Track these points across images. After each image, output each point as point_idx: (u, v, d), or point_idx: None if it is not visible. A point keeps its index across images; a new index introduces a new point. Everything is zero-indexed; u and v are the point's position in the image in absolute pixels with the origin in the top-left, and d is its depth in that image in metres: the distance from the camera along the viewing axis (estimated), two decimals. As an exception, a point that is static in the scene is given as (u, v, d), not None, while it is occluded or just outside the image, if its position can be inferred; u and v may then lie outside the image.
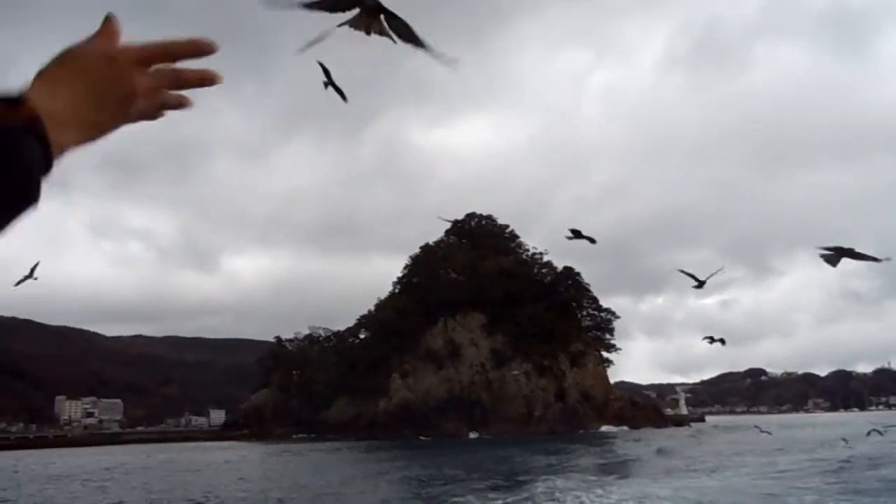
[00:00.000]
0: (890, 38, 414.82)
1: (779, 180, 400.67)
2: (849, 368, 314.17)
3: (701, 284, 12.37)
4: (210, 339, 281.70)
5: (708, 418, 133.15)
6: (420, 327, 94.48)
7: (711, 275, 12.45)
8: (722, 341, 17.81)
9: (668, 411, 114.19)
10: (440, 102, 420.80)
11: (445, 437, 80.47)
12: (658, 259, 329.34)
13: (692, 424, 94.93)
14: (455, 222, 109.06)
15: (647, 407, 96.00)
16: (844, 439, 32.21)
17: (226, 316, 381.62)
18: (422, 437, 79.87)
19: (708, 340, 17.91)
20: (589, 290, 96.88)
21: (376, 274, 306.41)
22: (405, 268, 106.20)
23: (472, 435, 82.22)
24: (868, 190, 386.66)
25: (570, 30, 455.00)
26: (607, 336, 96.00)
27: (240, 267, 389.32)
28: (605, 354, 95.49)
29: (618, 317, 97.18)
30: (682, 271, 12.25)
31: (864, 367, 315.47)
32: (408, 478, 31.35)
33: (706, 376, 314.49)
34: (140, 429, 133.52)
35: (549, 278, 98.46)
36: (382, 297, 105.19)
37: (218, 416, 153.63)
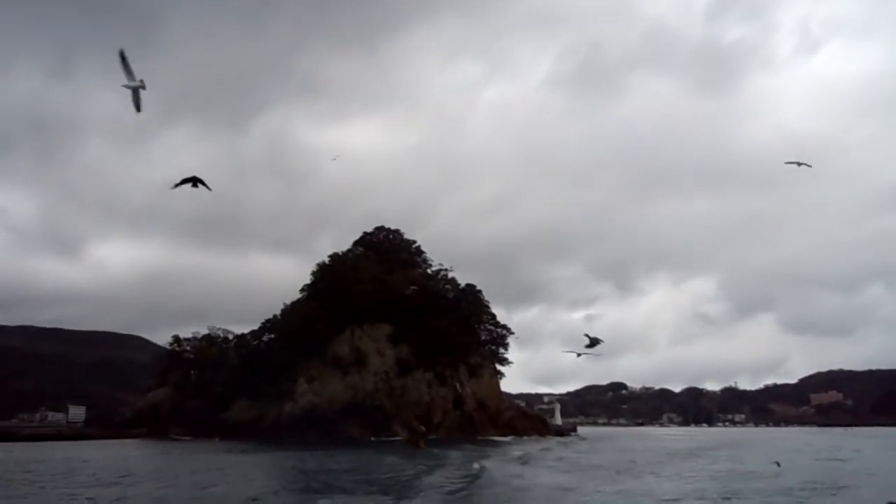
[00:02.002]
0: (752, 79, 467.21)
1: (648, 205, 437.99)
2: (700, 386, 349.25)
3: (592, 345, 18.69)
4: (69, 331, 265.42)
5: (579, 429, 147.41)
6: (328, 334, 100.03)
7: (596, 344, 18.50)
8: (596, 342, 23.11)
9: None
10: (331, 101, 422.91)
11: (349, 440, 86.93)
12: (533, 272, 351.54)
13: (571, 434, 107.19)
14: (363, 234, 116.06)
15: (534, 417, 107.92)
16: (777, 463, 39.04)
17: (86, 306, 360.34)
18: (321, 440, 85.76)
19: (587, 341, 23.79)
20: (488, 307, 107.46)
21: (256, 272, 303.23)
22: (312, 274, 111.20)
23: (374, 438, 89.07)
24: (725, 219, 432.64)
25: (465, 42, 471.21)
26: (501, 350, 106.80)
27: (106, 255, 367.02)
28: (498, 367, 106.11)
29: (512, 333, 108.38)
30: (587, 335, 18.16)
31: (713, 386, 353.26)
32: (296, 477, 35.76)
33: (572, 388, 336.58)
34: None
35: (452, 294, 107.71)
36: (274, 298, 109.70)
37: (78, 413, 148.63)
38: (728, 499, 23.35)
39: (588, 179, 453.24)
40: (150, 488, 29.77)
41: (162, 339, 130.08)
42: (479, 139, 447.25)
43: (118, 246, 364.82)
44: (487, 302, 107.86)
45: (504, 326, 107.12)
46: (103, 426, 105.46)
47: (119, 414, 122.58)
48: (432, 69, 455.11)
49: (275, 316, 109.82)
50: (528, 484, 32.59)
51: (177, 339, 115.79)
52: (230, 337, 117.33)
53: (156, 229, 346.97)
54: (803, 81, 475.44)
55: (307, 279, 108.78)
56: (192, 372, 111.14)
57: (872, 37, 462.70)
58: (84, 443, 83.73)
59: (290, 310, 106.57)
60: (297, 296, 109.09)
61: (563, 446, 77.10)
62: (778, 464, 36.86)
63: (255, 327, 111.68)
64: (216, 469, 42.02)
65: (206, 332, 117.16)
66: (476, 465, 33.66)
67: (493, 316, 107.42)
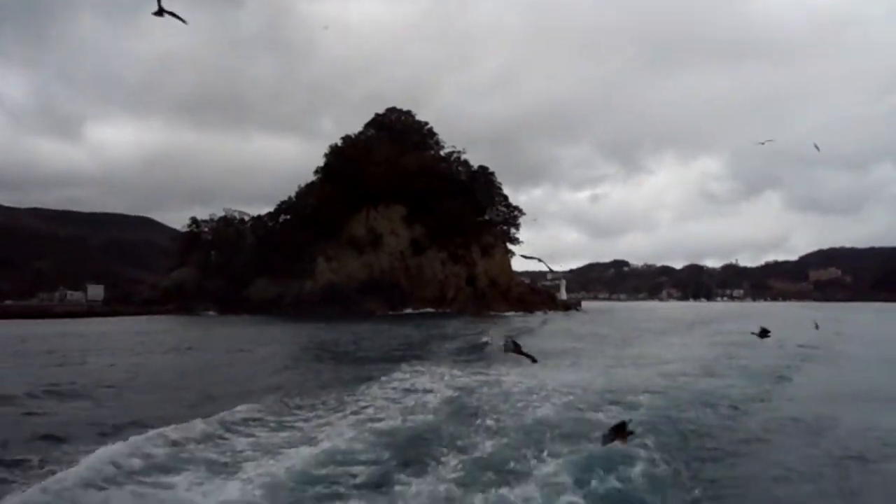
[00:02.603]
0: None
1: (658, 80, 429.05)
2: (701, 263, 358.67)
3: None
4: (80, 213, 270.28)
5: (582, 303, 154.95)
6: (343, 216, 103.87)
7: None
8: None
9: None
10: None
11: (367, 314, 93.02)
12: (538, 151, 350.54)
13: (577, 308, 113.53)
14: (375, 115, 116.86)
15: (543, 293, 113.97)
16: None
17: (92, 188, 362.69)
18: (344, 314, 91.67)
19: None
20: (500, 189, 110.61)
21: (258, 153, 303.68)
22: (325, 156, 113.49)
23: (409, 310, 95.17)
24: (738, 95, 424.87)
25: None
26: (513, 230, 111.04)
27: (105, 137, 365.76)
28: (509, 246, 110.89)
29: (524, 213, 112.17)
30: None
31: (714, 263, 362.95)
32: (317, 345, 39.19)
33: (574, 266, 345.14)
34: (9, 303, 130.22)
35: (464, 176, 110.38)
36: (293, 180, 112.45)
37: (97, 292, 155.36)
38: (732, 357, 26.88)
39: (597, 52, 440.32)
40: (208, 356, 33.69)
41: (171, 220, 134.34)
42: (484, 10, 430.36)
43: (117, 126, 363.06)
44: (500, 184, 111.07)
45: (516, 208, 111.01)
46: (123, 304, 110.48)
47: (138, 293, 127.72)
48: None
49: (290, 198, 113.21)
50: (539, 348, 36.90)
51: (194, 221, 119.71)
52: (245, 219, 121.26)
53: (154, 109, 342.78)
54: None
55: (310, 160, 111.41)
56: (211, 252, 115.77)
57: None
58: (116, 319, 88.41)
59: (305, 192, 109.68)
60: (310, 178, 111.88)
61: (569, 318, 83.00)
62: (816, 325, 39.21)
63: (266, 209, 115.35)
64: (248, 339, 46.13)
65: (222, 214, 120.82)
66: (485, 338, 37.61)
67: (506, 197, 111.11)
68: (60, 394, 19.08)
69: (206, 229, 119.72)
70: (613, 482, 9.49)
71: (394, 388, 18.54)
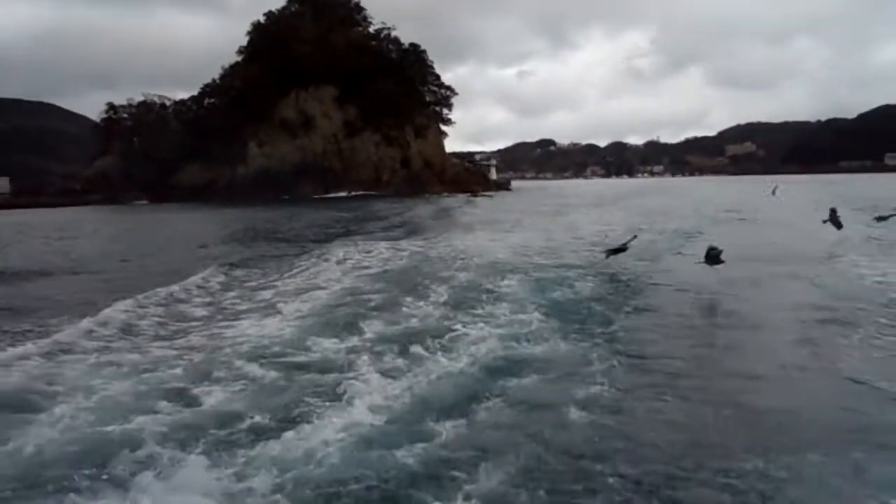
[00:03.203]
0: None
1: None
2: (625, 140, 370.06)
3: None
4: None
5: (512, 183, 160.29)
6: (272, 98, 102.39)
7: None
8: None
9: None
10: None
11: (302, 198, 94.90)
12: (463, 26, 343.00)
13: (508, 188, 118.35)
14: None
15: (477, 173, 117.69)
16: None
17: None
18: (284, 198, 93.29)
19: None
20: (432, 68, 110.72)
21: (165, 31, 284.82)
22: (248, 34, 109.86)
23: (340, 193, 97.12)
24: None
25: None
26: (445, 111, 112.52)
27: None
28: (442, 127, 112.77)
29: (456, 94, 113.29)
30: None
31: (637, 140, 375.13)
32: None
33: (501, 146, 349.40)
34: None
35: (395, 54, 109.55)
36: (207, 61, 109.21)
37: (2, 184, 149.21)
38: (661, 233, 30.83)
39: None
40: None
41: (75, 106, 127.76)
42: None
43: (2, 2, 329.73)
44: (431, 63, 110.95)
45: (448, 87, 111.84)
46: (34, 196, 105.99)
47: (51, 184, 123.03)
48: None
49: (213, 80, 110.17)
50: (476, 219, 41.16)
51: (112, 107, 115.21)
52: (167, 103, 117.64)
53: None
54: None
55: (225, 39, 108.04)
56: (134, 139, 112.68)
57: None
58: (34, 211, 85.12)
59: (230, 73, 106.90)
60: (231, 58, 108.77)
61: (503, 197, 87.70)
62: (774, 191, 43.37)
63: (182, 92, 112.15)
64: (187, 223, 47.80)
65: (141, 99, 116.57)
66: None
67: (438, 77, 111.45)
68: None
69: (126, 115, 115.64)
70: (563, 295, 13.51)
71: (366, 251, 21.86)
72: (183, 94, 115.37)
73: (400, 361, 9.02)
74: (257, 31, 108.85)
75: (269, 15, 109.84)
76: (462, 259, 19.07)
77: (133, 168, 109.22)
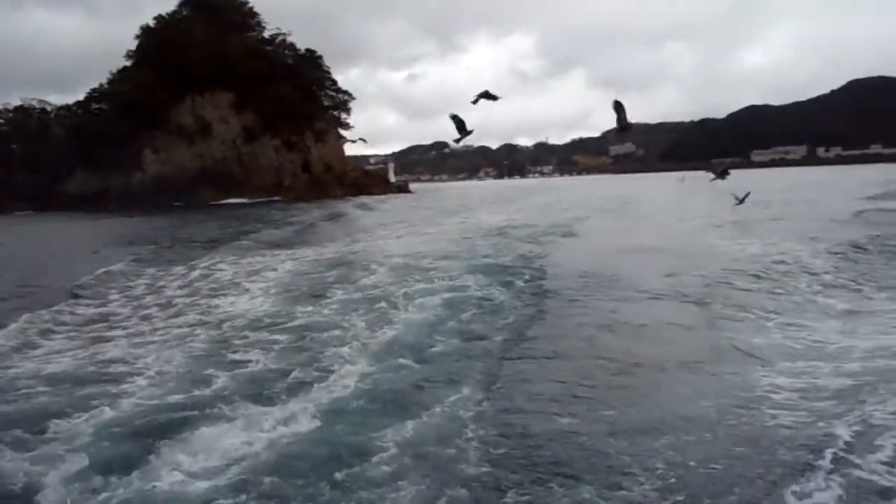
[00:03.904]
0: None
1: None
2: (514, 142, 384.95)
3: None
4: None
5: (410, 185, 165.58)
6: (166, 103, 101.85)
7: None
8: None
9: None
10: None
11: (202, 203, 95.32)
12: (353, 29, 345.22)
13: (408, 190, 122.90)
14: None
15: (377, 176, 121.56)
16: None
17: None
18: (177, 204, 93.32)
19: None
20: (329, 73, 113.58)
21: (33, 30, 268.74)
22: (137, 38, 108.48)
23: (231, 200, 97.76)
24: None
25: None
26: (344, 115, 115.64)
27: None
28: (342, 132, 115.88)
29: (354, 98, 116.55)
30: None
31: (526, 141, 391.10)
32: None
33: (396, 148, 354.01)
34: None
35: (291, 60, 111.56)
36: (84, 64, 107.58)
37: None
38: (557, 226, 36.13)
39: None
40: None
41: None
42: None
43: None
44: (328, 68, 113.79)
45: (346, 92, 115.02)
46: None
47: None
48: None
49: (101, 85, 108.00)
50: (376, 222, 44.82)
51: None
52: (48, 108, 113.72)
53: None
54: None
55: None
56: (12, 146, 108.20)
57: None
58: None
59: (120, 78, 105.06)
60: (116, 62, 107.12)
61: (405, 199, 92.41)
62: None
63: (55, 95, 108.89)
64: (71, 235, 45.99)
65: (18, 103, 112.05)
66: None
67: (335, 82, 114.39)
68: None
69: (2, 121, 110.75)
70: (479, 288, 18.12)
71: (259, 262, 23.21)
72: (53, 98, 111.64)
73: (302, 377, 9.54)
74: (147, 35, 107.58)
75: (158, 19, 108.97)
76: (376, 260, 21.37)
77: (13, 176, 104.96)
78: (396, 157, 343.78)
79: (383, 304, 14.12)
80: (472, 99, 11.62)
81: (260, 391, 8.97)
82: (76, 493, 6.36)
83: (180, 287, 18.52)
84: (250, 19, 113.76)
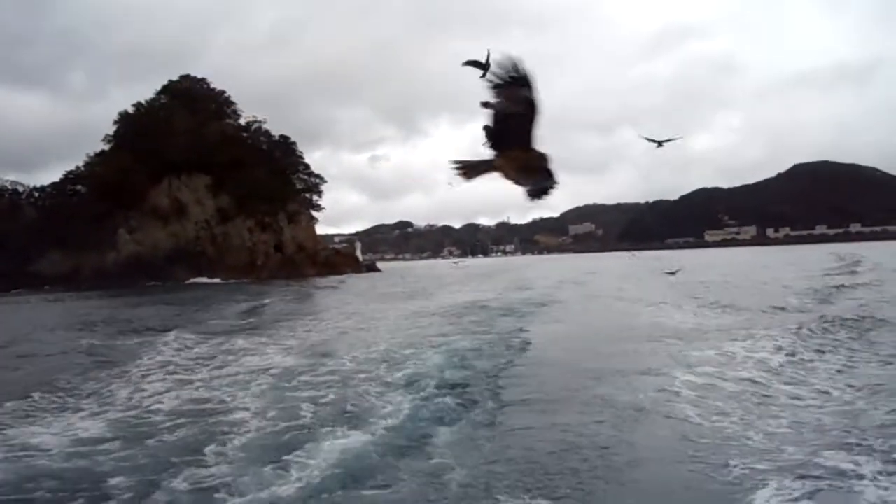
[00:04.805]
0: None
1: (433, 45, 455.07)
2: (477, 221, 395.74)
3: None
4: None
5: (378, 264, 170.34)
6: (144, 186, 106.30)
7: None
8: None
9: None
10: None
11: (175, 282, 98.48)
12: (318, 113, 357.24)
13: (376, 269, 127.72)
14: (169, 82, 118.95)
15: (348, 256, 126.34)
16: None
17: None
18: (151, 284, 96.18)
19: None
20: (302, 157, 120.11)
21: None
22: (115, 123, 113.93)
23: (202, 279, 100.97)
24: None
25: None
26: (315, 197, 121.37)
27: None
28: (313, 213, 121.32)
29: (325, 181, 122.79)
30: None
31: (488, 221, 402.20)
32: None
33: (360, 228, 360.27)
34: None
35: (266, 145, 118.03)
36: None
37: None
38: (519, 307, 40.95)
39: (371, 13, 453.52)
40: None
41: None
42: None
43: None
44: (301, 152, 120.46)
45: (318, 175, 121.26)
46: None
47: None
48: None
49: (77, 167, 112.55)
50: (343, 301, 49.21)
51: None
52: (20, 189, 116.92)
53: None
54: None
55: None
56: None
57: None
58: None
59: (98, 161, 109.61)
60: (92, 145, 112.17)
61: (374, 277, 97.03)
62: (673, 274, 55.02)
63: (14, 174, 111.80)
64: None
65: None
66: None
67: (307, 166, 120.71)
68: None
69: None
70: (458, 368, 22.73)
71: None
72: (14, 177, 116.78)
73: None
74: (125, 120, 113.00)
75: (138, 106, 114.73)
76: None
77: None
78: (361, 235, 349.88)
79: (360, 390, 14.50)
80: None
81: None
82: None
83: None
84: (227, 108, 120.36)
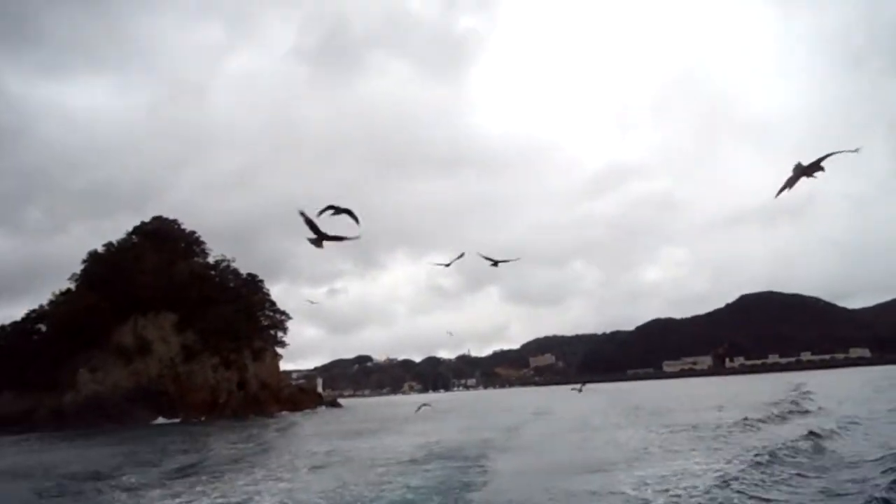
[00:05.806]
0: (479, 67, 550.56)
1: (390, 185, 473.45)
2: (437, 354, 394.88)
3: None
4: None
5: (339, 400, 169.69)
6: (109, 324, 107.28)
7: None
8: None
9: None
10: (47, 52, 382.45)
11: (134, 423, 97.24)
12: (276, 248, 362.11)
13: (338, 405, 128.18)
14: (141, 223, 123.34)
15: (311, 392, 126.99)
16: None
17: None
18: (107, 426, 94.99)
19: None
20: (268, 295, 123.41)
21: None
22: (84, 262, 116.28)
23: (160, 420, 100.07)
24: (459, 201, 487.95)
25: (208, 3, 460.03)
26: (280, 334, 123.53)
27: None
28: (277, 350, 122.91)
29: (291, 318, 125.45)
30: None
31: (448, 354, 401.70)
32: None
33: (318, 363, 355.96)
34: None
35: (233, 283, 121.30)
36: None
37: None
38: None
39: (332, 157, 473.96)
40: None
41: None
42: (220, 108, 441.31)
43: None
44: (267, 290, 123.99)
45: (283, 312, 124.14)
46: None
47: None
48: (170, 29, 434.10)
49: (41, 306, 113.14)
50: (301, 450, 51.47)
51: None
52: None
53: None
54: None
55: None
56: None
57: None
58: None
59: (63, 300, 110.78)
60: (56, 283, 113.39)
61: (340, 413, 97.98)
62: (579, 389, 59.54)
63: None
64: None
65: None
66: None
67: (274, 303, 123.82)
68: None
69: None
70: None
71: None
72: None
73: None
74: (94, 260, 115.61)
75: (108, 245, 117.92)
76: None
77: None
78: (320, 371, 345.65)
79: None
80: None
81: None
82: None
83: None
84: (196, 246, 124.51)
